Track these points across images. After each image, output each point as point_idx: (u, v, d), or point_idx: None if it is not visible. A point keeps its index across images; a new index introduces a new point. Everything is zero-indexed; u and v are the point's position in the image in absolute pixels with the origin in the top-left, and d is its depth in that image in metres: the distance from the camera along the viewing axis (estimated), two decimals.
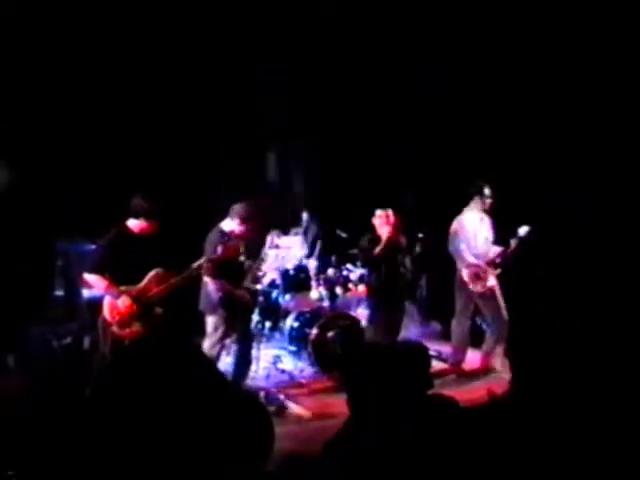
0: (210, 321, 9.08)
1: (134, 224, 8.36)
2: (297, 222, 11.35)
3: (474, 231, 10.33)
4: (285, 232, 11.22)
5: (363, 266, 10.77)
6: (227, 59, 11.63)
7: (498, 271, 10.38)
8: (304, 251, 11.18)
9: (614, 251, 11.43)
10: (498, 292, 10.40)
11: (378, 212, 10.26)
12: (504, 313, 10.31)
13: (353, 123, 13.05)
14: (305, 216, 11.23)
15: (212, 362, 3.70)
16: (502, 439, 3.38)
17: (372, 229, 10.32)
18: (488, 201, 10.35)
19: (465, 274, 10.31)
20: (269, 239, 10.87)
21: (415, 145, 13.19)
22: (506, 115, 12.27)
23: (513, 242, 10.21)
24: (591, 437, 3.34)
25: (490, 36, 11.52)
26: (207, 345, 8.98)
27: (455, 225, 10.39)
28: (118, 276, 8.15)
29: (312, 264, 11.27)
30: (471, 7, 11.26)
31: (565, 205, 11.66)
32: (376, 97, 12.86)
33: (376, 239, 10.21)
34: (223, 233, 8.99)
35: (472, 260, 10.25)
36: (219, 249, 8.65)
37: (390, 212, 10.22)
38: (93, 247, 8.94)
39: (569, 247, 11.86)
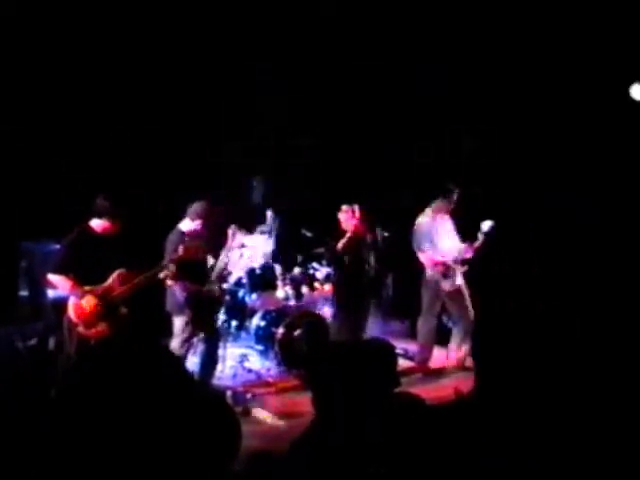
0: (177, 321, 9.06)
1: (97, 224, 8.33)
2: (262, 221, 11.29)
3: (436, 230, 10.37)
4: (250, 231, 11.17)
5: (328, 264, 10.77)
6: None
7: (465, 268, 10.43)
8: (270, 249, 11.15)
9: (585, 246, 11.55)
10: (465, 290, 10.45)
11: (344, 207, 10.30)
12: (471, 311, 10.36)
13: (318, 122, 13.02)
14: (270, 214, 11.20)
15: (180, 361, 3.68)
16: (468, 437, 3.39)
17: (337, 224, 10.35)
18: (452, 205, 10.40)
19: (432, 272, 10.35)
20: (232, 237, 10.83)
21: (380, 143, 13.21)
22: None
23: (477, 238, 10.27)
24: (557, 434, 3.36)
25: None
26: (174, 345, 8.96)
27: (417, 224, 10.43)
28: (82, 276, 8.12)
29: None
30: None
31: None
32: (339, 94, 12.85)
33: (340, 234, 10.25)
34: (182, 233, 8.98)
35: (438, 258, 10.29)
36: (180, 249, 8.64)
37: (356, 207, 10.26)
38: (57, 247, 8.89)
39: (535, 244, 11.96)
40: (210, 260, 9.35)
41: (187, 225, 9.02)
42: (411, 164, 12.63)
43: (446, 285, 10.30)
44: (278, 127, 12.78)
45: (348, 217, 10.27)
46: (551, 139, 12.06)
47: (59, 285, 8.30)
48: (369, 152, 13.09)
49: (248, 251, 10.96)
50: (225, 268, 9.97)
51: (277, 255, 11.20)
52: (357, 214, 10.25)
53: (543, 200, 11.93)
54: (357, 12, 11.62)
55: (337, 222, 10.41)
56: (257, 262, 10.98)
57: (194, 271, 8.95)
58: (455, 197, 10.36)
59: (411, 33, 11.83)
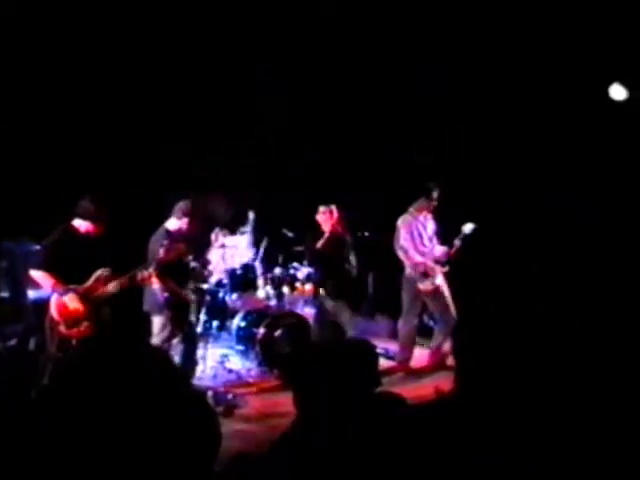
0: (156, 321, 9.06)
1: (80, 224, 8.32)
2: (243, 221, 11.28)
3: (416, 230, 10.41)
4: (232, 232, 11.17)
5: (309, 264, 10.78)
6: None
7: (445, 269, 10.47)
8: (251, 250, 11.15)
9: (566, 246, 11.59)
10: (446, 290, 10.48)
11: (321, 208, 10.33)
12: (452, 311, 10.39)
13: (298, 123, 13.01)
14: (252, 215, 11.19)
15: (167, 357, 3.68)
16: (449, 436, 3.39)
17: (317, 226, 10.39)
18: (433, 203, 10.43)
19: (412, 272, 10.38)
20: (214, 238, 10.83)
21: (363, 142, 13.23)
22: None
23: (457, 240, 10.33)
24: (539, 432, 3.37)
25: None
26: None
27: (399, 224, 10.46)
28: (64, 275, 8.11)
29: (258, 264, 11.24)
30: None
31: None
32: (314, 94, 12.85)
33: (319, 234, 10.29)
34: (168, 232, 8.98)
35: (418, 258, 10.32)
36: (160, 251, 8.64)
37: (333, 207, 10.30)
38: (38, 247, 8.87)
39: (517, 243, 12.00)
40: (192, 261, 9.35)
41: (173, 224, 9.04)
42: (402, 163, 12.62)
43: (424, 285, 10.33)
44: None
45: (326, 218, 10.32)
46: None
47: (41, 282, 8.29)
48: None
49: (229, 251, 10.96)
50: (206, 269, 9.99)
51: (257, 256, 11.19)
52: (335, 214, 10.29)
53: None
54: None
55: (316, 223, 10.45)
56: (238, 262, 10.98)
57: (176, 271, 8.96)
58: (436, 195, 10.39)
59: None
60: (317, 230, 10.42)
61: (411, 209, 10.50)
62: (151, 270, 8.58)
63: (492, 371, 3.46)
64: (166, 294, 8.91)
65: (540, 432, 3.35)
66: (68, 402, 3.01)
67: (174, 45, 11.09)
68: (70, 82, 10.91)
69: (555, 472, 3.30)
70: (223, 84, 12.05)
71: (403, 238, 10.37)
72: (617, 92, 11.57)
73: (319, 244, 10.28)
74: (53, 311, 8.11)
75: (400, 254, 10.43)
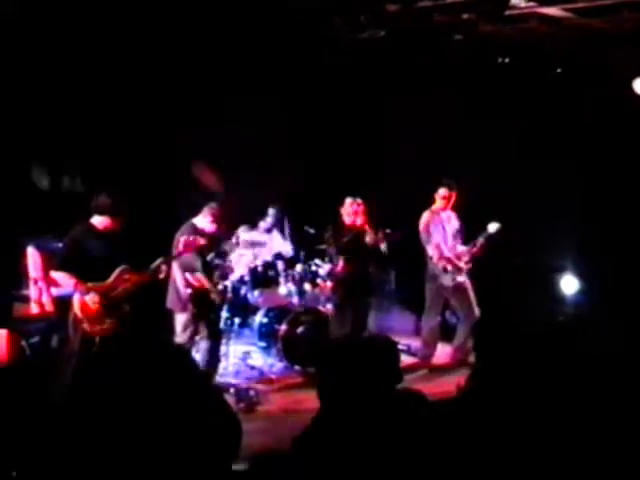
0: (180, 319, 9.08)
1: (98, 221, 8.36)
2: (263, 216, 11.29)
3: (440, 225, 10.42)
4: (253, 226, 11.19)
5: (330, 260, 10.71)
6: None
7: (469, 266, 10.46)
8: (288, 245, 11.19)
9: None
10: (469, 287, 10.48)
11: (349, 200, 10.25)
12: (475, 308, 10.39)
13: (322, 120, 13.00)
14: (271, 211, 11.19)
15: (188, 354, 3.71)
16: (468, 432, 3.41)
17: (338, 218, 10.31)
18: (446, 201, 10.43)
19: (434, 268, 10.39)
20: (237, 235, 10.83)
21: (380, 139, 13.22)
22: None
23: (481, 239, 10.32)
24: (555, 433, 3.39)
25: None
26: (177, 343, 8.98)
27: (422, 220, 10.47)
28: (85, 273, 8.14)
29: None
30: None
31: None
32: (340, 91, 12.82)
33: (342, 228, 10.22)
34: (195, 228, 9.01)
35: (445, 253, 10.34)
36: (180, 244, 8.68)
37: (360, 201, 10.23)
38: (60, 245, 8.91)
39: None
40: (215, 259, 9.37)
41: (201, 222, 9.05)
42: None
43: (446, 280, 10.34)
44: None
45: (354, 210, 10.22)
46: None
47: (63, 282, 8.35)
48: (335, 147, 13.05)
49: (258, 249, 11.01)
50: (230, 267, 10.02)
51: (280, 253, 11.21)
52: (362, 208, 10.23)
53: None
54: None
55: (338, 216, 10.36)
56: (260, 259, 11.01)
57: (202, 264, 9.00)
58: (454, 193, 10.40)
59: None
60: (339, 223, 10.33)
61: (433, 206, 10.53)
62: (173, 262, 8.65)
63: (512, 368, 3.48)
64: (189, 290, 8.93)
65: (557, 430, 3.36)
66: (90, 401, 3.05)
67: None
68: (85, 79, 10.93)
69: (570, 468, 3.32)
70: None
71: (425, 235, 10.39)
72: None
73: (344, 239, 10.21)
74: (77, 309, 8.16)
75: (428, 247, 10.41)
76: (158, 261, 8.61)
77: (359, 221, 10.18)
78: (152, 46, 10.74)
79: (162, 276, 8.69)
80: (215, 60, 11.35)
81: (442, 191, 10.44)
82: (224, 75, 11.66)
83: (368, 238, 10.24)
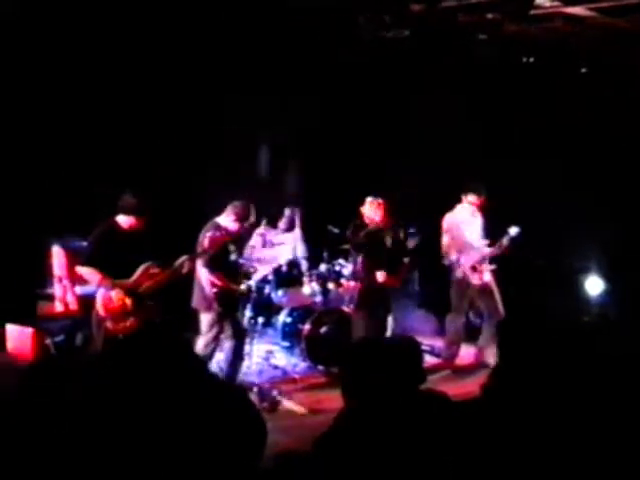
0: (205, 319, 9.08)
1: (123, 220, 8.41)
2: (280, 217, 11.30)
3: (465, 226, 10.41)
4: (274, 226, 11.20)
5: (356, 250, 10.59)
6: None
7: (493, 266, 10.44)
8: (302, 246, 11.18)
9: None
10: (495, 287, 10.45)
11: (369, 199, 10.23)
12: (500, 309, 10.36)
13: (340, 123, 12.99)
14: (287, 211, 11.19)
15: (200, 358, 3.69)
16: (493, 433, 3.40)
17: (359, 218, 10.29)
18: (477, 202, 10.42)
19: (462, 267, 10.37)
20: (259, 234, 10.83)
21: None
22: None
23: (504, 241, 10.27)
24: (575, 433, 3.38)
25: None
26: (202, 343, 9.00)
27: (447, 220, 10.47)
28: (109, 271, 8.19)
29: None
30: None
31: None
32: (360, 94, 12.80)
33: (361, 226, 10.19)
34: (218, 227, 9.01)
35: (466, 255, 10.32)
36: (205, 241, 8.70)
37: (381, 200, 10.21)
38: (84, 244, 8.95)
39: None
40: (239, 258, 9.38)
41: (225, 221, 9.05)
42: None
43: (472, 281, 10.33)
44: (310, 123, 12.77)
45: (374, 209, 10.18)
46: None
47: (88, 277, 8.41)
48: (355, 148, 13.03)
49: (279, 249, 11.01)
50: (253, 267, 10.03)
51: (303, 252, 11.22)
52: (383, 206, 10.20)
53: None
54: None
55: (359, 216, 10.33)
56: (284, 259, 11.01)
57: (224, 267, 9.00)
58: (478, 195, 10.38)
59: None
60: (359, 222, 10.30)
61: (457, 207, 10.51)
62: (198, 260, 8.67)
63: (535, 368, 3.46)
64: (215, 289, 8.93)
65: (580, 431, 3.35)
66: (109, 396, 3.06)
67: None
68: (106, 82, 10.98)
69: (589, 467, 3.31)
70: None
71: (449, 235, 10.39)
72: None
73: (363, 233, 10.14)
74: (99, 307, 8.21)
75: (446, 251, 10.43)
76: (182, 258, 8.64)
77: (378, 219, 10.15)
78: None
79: (185, 271, 8.70)
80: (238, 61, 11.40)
81: (471, 198, 10.42)
82: (249, 76, 11.69)
83: (388, 237, 10.22)
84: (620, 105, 12.15)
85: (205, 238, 8.77)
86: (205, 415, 2.99)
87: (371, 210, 10.17)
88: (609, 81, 12.13)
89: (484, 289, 10.42)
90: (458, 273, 10.44)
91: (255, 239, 10.87)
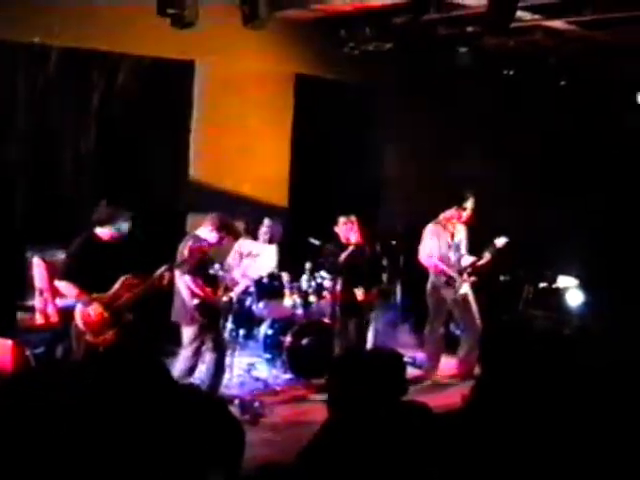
0: (186, 332, 9.03)
1: (101, 231, 8.37)
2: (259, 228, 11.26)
3: (443, 239, 10.41)
4: (255, 238, 11.16)
5: (331, 276, 10.64)
6: None
7: (472, 279, 10.45)
8: (275, 258, 11.14)
9: None
10: (472, 299, 10.47)
11: (342, 219, 10.27)
12: (478, 320, 10.38)
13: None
14: (267, 222, 11.15)
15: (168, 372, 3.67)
16: (473, 444, 3.41)
17: (336, 237, 10.34)
18: (466, 213, 10.42)
19: (435, 280, 10.40)
20: (238, 246, 10.81)
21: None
22: None
23: (488, 253, 10.31)
24: (557, 444, 3.38)
25: None
26: (183, 356, 8.97)
27: (425, 232, 10.48)
28: (88, 284, 8.15)
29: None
30: None
31: None
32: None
33: (341, 246, 10.25)
34: (198, 238, 8.99)
35: (442, 267, 10.33)
36: (185, 251, 8.68)
37: (354, 218, 10.25)
38: (63, 255, 8.91)
39: None
40: (219, 270, 9.35)
41: (203, 233, 9.03)
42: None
43: (448, 293, 10.34)
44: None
45: (347, 229, 10.23)
46: None
47: (66, 292, 8.37)
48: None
49: (258, 260, 10.97)
50: (233, 279, 10.00)
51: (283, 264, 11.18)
52: (355, 225, 10.24)
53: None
54: None
55: (335, 236, 10.39)
56: (264, 271, 10.98)
57: (205, 279, 8.98)
58: (469, 205, 10.39)
59: None
60: (337, 241, 10.37)
61: (440, 217, 10.51)
62: (177, 271, 8.65)
63: (518, 380, 3.47)
64: (196, 300, 8.90)
65: (562, 441, 3.36)
66: (86, 408, 3.05)
67: None
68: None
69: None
70: None
71: (429, 246, 10.40)
72: None
73: (342, 257, 10.23)
74: (78, 321, 8.18)
75: (425, 263, 10.46)
76: (161, 269, 8.61)
77: (353, 238, 10.21)
78: None
79: (165, 282, 8.66)
80: None
81: (468, 204, 10.40)
82: None
83: (365, 254, 10.28)
84: (599, 118, 12.23)
85: (185, 248, 8.76)
86: (183, 428, 2.98)
87: (345, 229, 10.22)
88: (588, 94, 12.21)
89: (461, 301, 10.42)
90: (435, 284, 10.45)
91: (236, 251, 10.82)
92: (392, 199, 13.06)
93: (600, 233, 11.96)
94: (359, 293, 10.19)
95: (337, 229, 10.29)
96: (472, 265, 10.41)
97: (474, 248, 10.59)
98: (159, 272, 8.59)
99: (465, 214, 10.43)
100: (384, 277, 10.91)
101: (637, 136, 12.16)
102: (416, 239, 10.61)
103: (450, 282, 10.33)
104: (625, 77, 11.80)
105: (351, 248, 10.20)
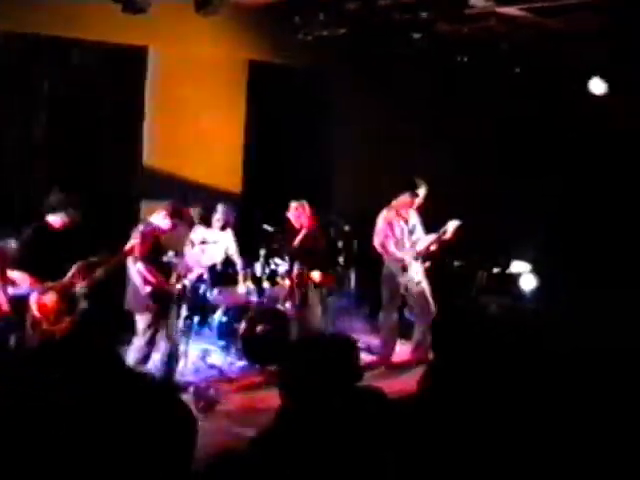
0: (140, 320, 8.98)
1: (54, 219, 8.29)
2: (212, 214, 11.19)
3: (397, 225, 10.44)
4: (208, 225, 11.09)
5: (289, 262, 10.69)
6: None
7: (427, 264, 10.50)
8: (233, 245, 11.09)
9: None
10: (426, 285, 10.50)
11: (293, 204, 10.32)
12: (432, 306, 10.41)
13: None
14: (220, 208, 11.08)
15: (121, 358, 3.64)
16: (427, 430, 3.42)
17: (287, 223, 10.40)
18: (418, 200, 10.47)
19: (391, 266, 10.43)
20: (193, 234, 10.76)
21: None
22: None
23: (441, 234, 10.33)
24: (510, 429, 3.40)
25: None
26: (137, 345, 8.93)
27: (379, 219, 10.50)
28: (41, 272, 8.08)
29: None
30: None
31: None
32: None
33: (293, 231, 10.30)
34: (150, 224, 8.94)
35: (398, 254, 10.36)
36: (136, 236, 8.62)
37: (305, 203, 10.30)
38: (15, 244, 8.82)
39: None
40: (172, 257, 9.29)
41: (156, 219, 8.97)
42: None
43: (403, 279, 10.37)
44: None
45: (299, 214, 10.29)
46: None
47: (19, 281, 8.27)
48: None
49: (211, 247, 10.93)
50: (186, 266, 9.95)
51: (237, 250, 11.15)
52: (307, 209, 10.30)
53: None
54: None
55: (287, 221, 10.45)
56: (219, 258, 10.95)
57: (158, 266, 8.93)
58: (421, 192, 10.43)
59: None
60: (290, 227, 10.42)
61: (393, 203, 10.53)
62: (129, 259, 8.60)
63: (470, 364, 3.48)
64: (149, 287, 8.85)
65: (515, 426, 3.38)
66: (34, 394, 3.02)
67: None
68: None
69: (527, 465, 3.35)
70: None
71: (383, 233, 10.42)
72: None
73: (296, 242, 10.29)
74: (34, 309, 8.10)
75: (379, 249, 10.48)
76: (114, 256, 8.54)
77: (306, 223, 10.27)
78: None
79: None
80: None
81: (420, 191, 10.44)
82: None
83: (320, 237, 10.35)
84: (552, 103, 12.31)
85: (136, 233, 8.70)
86: (130, 415, 2.96)
87: (297, 215, 10.27)
88: (541, 80, 12.28)
89: (415, 287, 10.45)
90: (390, 271, 10.48)
91: (189, 238, 10.77)
92: (345, 183, 13.07)
93: (555, 217, 12.05)
94: (316, 275, 10.24)
95: (289, 214, 10.34)
96: (427, 248, 10.44)
97: (427, 233, 10.63)
98: (113, 260, 8.53)
99: (417, 200, 10.48)
100: (340, 260, 10.95)
101: (589, 122, 12.27)
102: (369, 224, 10.62)
103: (405, 268, 10.36)
104: (577, 64, 11.87)
105: (304, 232, 10.25)
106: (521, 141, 12.74)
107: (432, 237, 10.46)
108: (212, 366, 10.17)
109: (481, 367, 3.49)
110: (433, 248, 10.50)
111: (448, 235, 10.32)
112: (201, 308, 10.51)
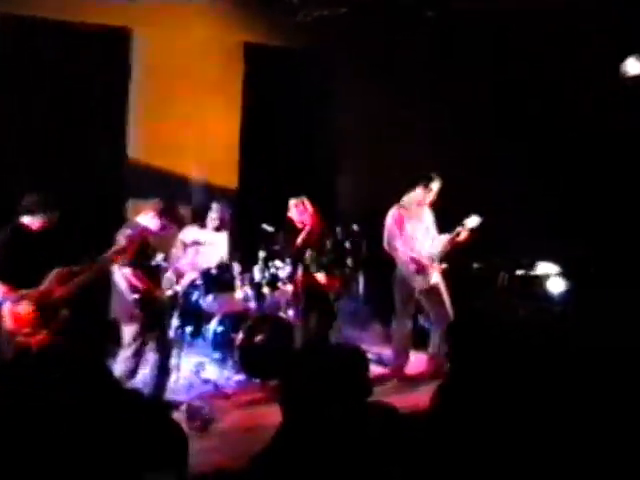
0: (127, 331, 8.97)
1: (30, 220, 8.28)
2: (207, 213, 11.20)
3: (409, 224, 10.40)
4: (202, 225, 11.11)
5: (292, 264, 10.68)
6: None
7: (443, 266, 10.46)
8: (226, 246, 11.10)
9: None
10: (443, 289, 10.46)
11: (292, 201, 10.32)
12: (449, 311, 10.37)
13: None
14: (215, 206, 11.08)
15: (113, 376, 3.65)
16: (444, 447, 3.43)
17: (289, 222, 10.41)
18: (431, 196, 10.43)
19: (404, 270, 10.38)
20: (184, 235, 10.77)
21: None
22: None
23: (459, 233, 10.29)
24: (530, 441, 3.42)
25: None
26: (124, 357, 8.92)
27: (388, 218, 10.44)
28: (16, 279, 8.06)
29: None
30: None
31: None
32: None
33: (294, 230, 10.29)
34: (137, 225, 8.95)
35: (410, 255, 10.31)
36: (123, 240, 8.62)
37: (305, 199, 10.30)
38: None
39: None
40: (162, 262, 9.29)
41: (144, 219, 8.98)
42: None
43: (418, 283, 10.32)
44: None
45: (300, 211, 10.29)
46: None
47: None
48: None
49: (205, 249, 10.94)
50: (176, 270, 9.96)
51: (234, 253, 11.15)
52: (309, 207, 10.29)
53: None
54: None
55: (289, 220, 10.46)
56: (214, 261, 10.95)
57: (146, 271, 8.93)
58: (435, 188, 10.38)
59: None
60: (291, 227, 10.42)
61: (403, 201, 10.48)
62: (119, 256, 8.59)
63: (488, 374, 3.50)
64: (136, 295, 8.85)
65: (533, 439, 3.40)
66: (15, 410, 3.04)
67: None
68: None
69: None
70: None
71: (393, 234, 10.37)
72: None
73: (299, 240, 10.28)
74: (8, 321, 8.09)
75: (388, 249, 10.44)
76: (100, 259, 8.54)
77: (308, 221, 10.26)
78: None
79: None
80: None
81: (434, 185, 10.40)
82: None
83: (326, 238, 10.34)
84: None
85: (122, 236, 8.70)
86: (121, 435, 2.98)
87: (298, 212, 10.27)
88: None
89: (432, 291, 10.42)
90: (402, 274, 10.42)
91: (180, 240, 10.79)
92: (348, 174, 13.08)
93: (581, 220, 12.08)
94: (321, 277, 10.24)
95: (290, 214, 10.34)
96: (445, 248, 10.40)
97: (441, 232, 10.61)
98: (103, 257, 8.52)
99: (430, 195, 10.44)
100: (348, 262, 10.93)
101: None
102: (379, 222, 10.59)
103: (420, 271, 10.32)
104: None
105: (307, 230, 10.24)
106: (547, 140, 12.74)
107: (447, 237, 10.42)
108: (207, 381, 10.17)
109: (499, 377, 3.50)
110: (448, 249, 10.46)
111: (464, 235, 10.29)
112: (194, 317, 10.50)
